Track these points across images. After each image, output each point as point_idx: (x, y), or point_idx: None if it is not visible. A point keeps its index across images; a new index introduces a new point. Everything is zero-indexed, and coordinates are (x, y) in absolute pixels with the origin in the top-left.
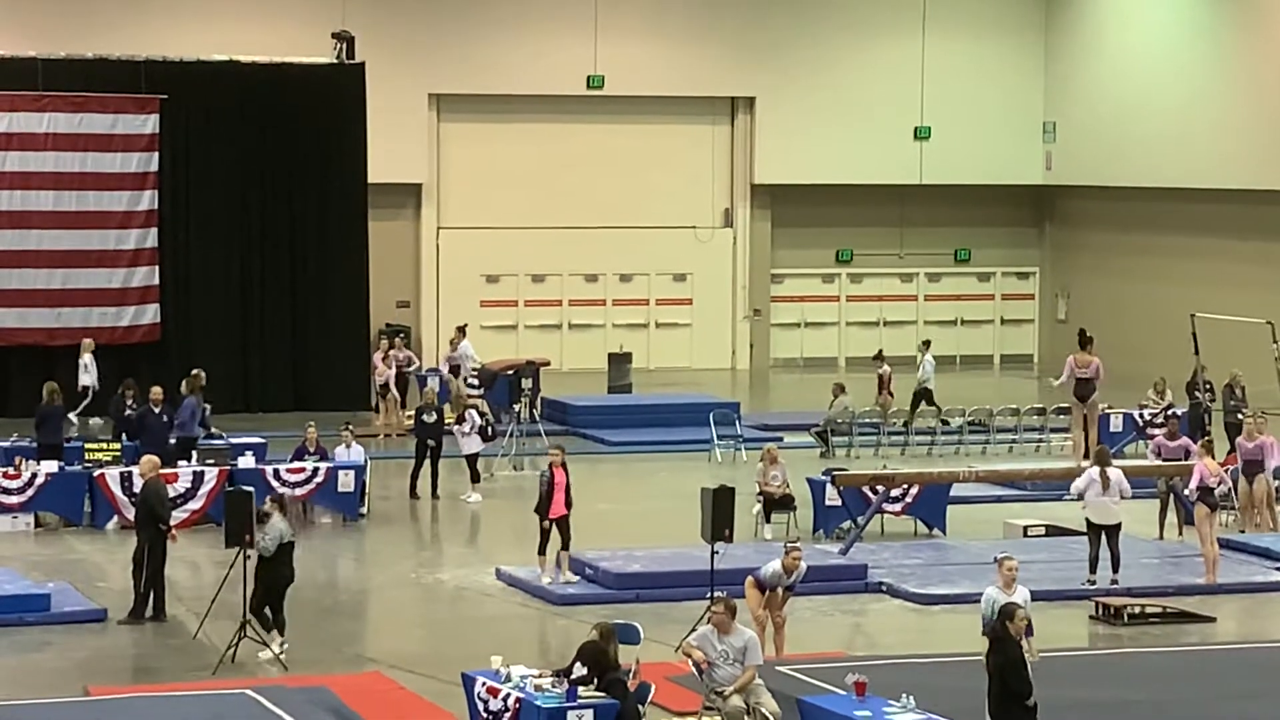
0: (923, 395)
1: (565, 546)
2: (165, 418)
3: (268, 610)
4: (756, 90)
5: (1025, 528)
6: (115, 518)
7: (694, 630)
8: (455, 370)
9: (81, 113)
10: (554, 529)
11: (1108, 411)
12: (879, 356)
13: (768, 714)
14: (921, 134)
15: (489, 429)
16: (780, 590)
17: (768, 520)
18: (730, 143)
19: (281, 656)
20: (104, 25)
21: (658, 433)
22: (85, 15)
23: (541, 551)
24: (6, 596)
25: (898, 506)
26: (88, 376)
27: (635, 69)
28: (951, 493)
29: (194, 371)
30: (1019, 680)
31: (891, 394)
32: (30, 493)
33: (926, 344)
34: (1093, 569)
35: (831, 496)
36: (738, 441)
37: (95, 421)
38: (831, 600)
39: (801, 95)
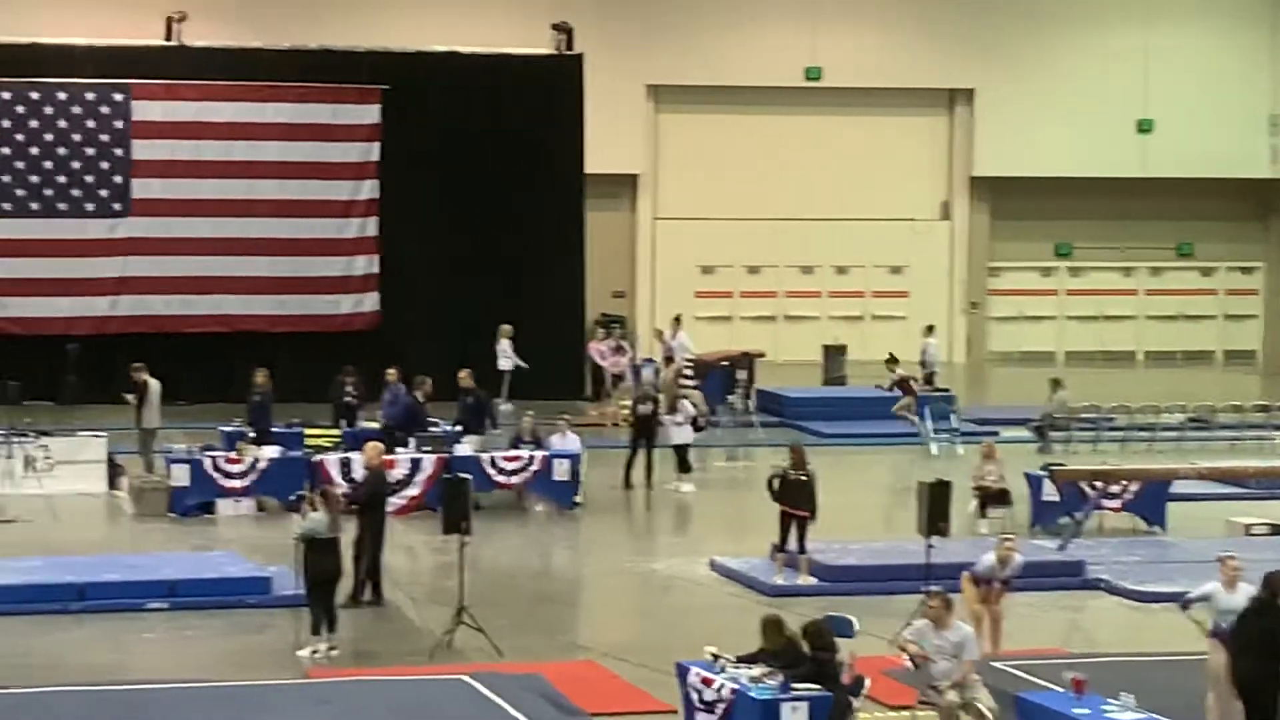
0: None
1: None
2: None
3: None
4: (976, 82)
5: (1248, 526)
6: None
7: (909, 624)
8: (669, 359)
9: (304, 103)
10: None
11: None
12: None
13: (985, 710)
14: (1145, 126)
15: (700, 420)
16: (996, 584)
17: (983, 515)
18: (949, 135)
19: (323, 657)
20: (327, 17)
21: (872, 425)
22: (309, 7)
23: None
24: (228, 579)
25: (1116, 503)
26: (507, 360)
27: (853, 60)
28: (1172, 489)
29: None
30: None
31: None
32: (252, 477)
33: (930, 328)
34: None
35: (1049, 492)
36: (954, 435)
37: (505, 407)
38: (1049, 596)
39: (1022, 87)
